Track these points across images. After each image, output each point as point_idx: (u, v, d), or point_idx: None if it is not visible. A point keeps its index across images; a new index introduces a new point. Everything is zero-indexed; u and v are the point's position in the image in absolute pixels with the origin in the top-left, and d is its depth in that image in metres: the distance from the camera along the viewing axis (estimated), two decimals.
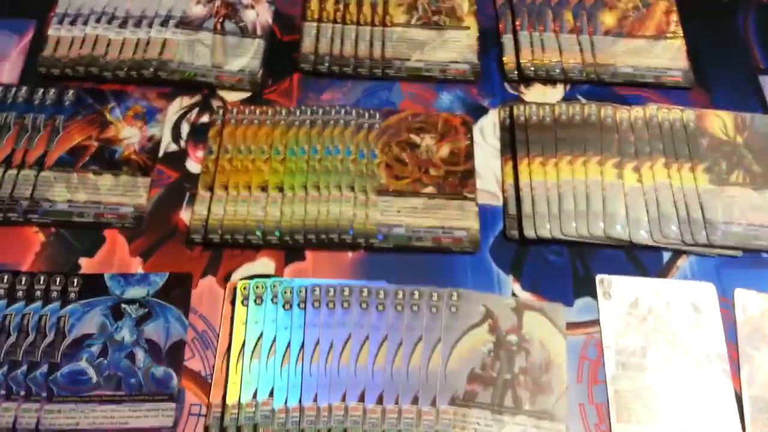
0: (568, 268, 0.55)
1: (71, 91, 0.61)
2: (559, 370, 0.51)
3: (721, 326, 0.52)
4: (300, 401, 0.49)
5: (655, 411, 0.49)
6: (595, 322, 0.53)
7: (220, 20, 0.66)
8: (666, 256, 0.56)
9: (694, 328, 0.52)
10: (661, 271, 0.55)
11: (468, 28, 0.67)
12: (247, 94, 0.63)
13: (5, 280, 0.52)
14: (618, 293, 0.54)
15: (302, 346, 0.50)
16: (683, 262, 0.56)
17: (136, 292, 0.52)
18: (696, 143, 0.60)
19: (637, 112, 0.62)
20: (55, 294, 0.52)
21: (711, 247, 0.56)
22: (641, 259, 0.56)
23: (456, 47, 0.65)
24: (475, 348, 0.51)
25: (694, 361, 0.51)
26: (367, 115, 0.61)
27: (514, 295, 0.54)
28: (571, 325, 0.53)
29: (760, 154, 0.60)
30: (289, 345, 0.51)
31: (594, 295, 0.54)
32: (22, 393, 0.48)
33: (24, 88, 0.61)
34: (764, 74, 0.66)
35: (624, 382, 0.50)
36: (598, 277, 0.55)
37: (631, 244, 0.56)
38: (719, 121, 0.62)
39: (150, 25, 0.64)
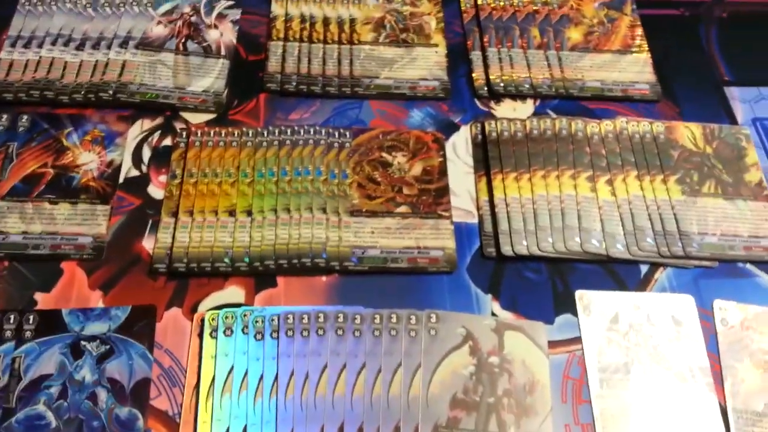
0: (547, 285, 0.54)
1: (25, 117, 0.58)
2: (543, 391, 0.49)
3: (702, 339, 0.52)
4: None
5: (641, 428, 0.48)
6: (577, 340, 0.52)
7: (183, 40, 0.64)
8: (644, 268, 0.56)
9: (675, 341, 0.52)
10: (640, 284, 0.55)
11: (436, 45, 0.66)
12: (212, 116, 0.61)
13: None
14: (598, 309, 0.53)
15: (276, 378, 0.48)
16: (661, 275, 0.55)
17: (96, 327, 0.49)
18: (667, 155, 0.60)
19: (607, 125, 0.62)
20: (9, 333, 0.49)
21: (687, 259, 0.55)
22: (619, 273, 0.55)
23: (425, 64, 0.65)
24: (456, 372, 0.50)
25: (677, 376, 0.50)
26: (337, 134, 0.59)
27: (493, 314, 0.53)
28: (552, 344, 0.51)
29: (729, 164, 0.60)
30: (262, 378, 0.48)
31: (574, 312, 0.53)
32: None
33: None
34: (729, 86, 0.67)
35: (609, 400, 0.49)
36: (578, 293, 0.54)
37: (609, 258, 0.55)
38: (688, 133, 0.62)
39: (109, 47, 0.62)
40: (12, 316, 0.49)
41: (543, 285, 0.54)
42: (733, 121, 0.64)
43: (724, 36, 0.71)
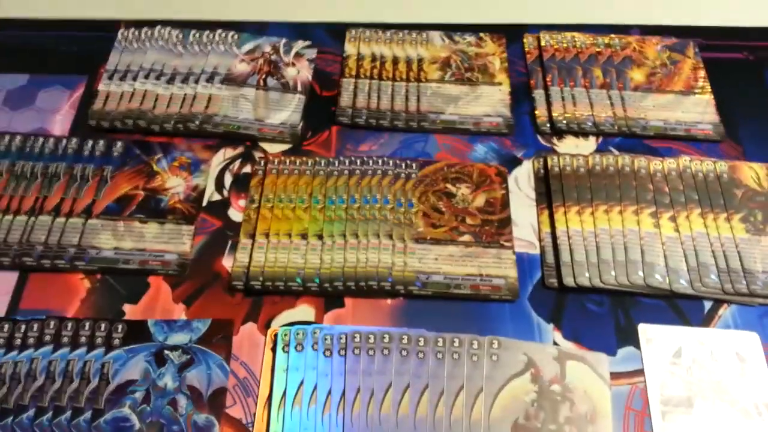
0: (609, 317, 0.55)
1: (119, 143, 0.64)
2: (604, 421, 0.50)
3: (767, 375, 0.52)
4: None
5: None
6: (639, 372, 0.52)
7: (263, 77, 0.69)
8: (707, 305, 0.56)
9: (739, 377, 0.52)
10: (704, 320, 0.55)
11: (500, 83, 0.69)
12: (288, 146, 0.65)
13: (51, 326, 0.53)
14: (661, 343, 0.54)
15: (343, 394, 0.50)
16: (725, 311, 0.55)
17: (178, 338, 0.53)
18: (730, 194, 0.61)
19: (670, 163, 0.63)
20: (99, 340, 0.53)
21: (752, 297, 0.55)
22: (683, 308, 0.55)
23: (489, 101, 0.67)
24: (517, 398, 0.51)
25: (741, 412, 0.50)
26: (404, 165, 0.62)
27: (555, 343, 0.54)
28: (614, 375, 0.52)
29: None
30: (330, 393, 0.50)
31: (636, 345, 0.53)
32: None
33: (74, 140, 0.63)
34: None
35: None
36: (641, 327, 0.54)
37: (672, 293, 0.55)
38: (752, 173, 0.62)
39: (196, 81, 0.67)
40: (102, 325, 0.53)
41: (605, 317, 0.55)
42: None
43: None
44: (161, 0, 0.77)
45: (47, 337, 0.53)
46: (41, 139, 0.63)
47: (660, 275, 0.56)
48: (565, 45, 0.72)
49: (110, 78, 0.68)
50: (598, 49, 0.72)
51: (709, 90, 0.69)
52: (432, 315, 0.55)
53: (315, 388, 0.50)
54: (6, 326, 0.53)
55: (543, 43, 0.72)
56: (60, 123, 0.66)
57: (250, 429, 0.49)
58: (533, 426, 0.49)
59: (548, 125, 0.66)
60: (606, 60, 0.71)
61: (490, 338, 0.53)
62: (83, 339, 0.53)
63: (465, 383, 0.51)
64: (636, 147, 0.65)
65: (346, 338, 0.53)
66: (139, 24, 0.72)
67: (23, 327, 0.53)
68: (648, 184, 0.61)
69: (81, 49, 0.71)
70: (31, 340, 0.52)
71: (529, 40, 0.73)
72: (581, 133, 0.66)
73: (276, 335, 0.53)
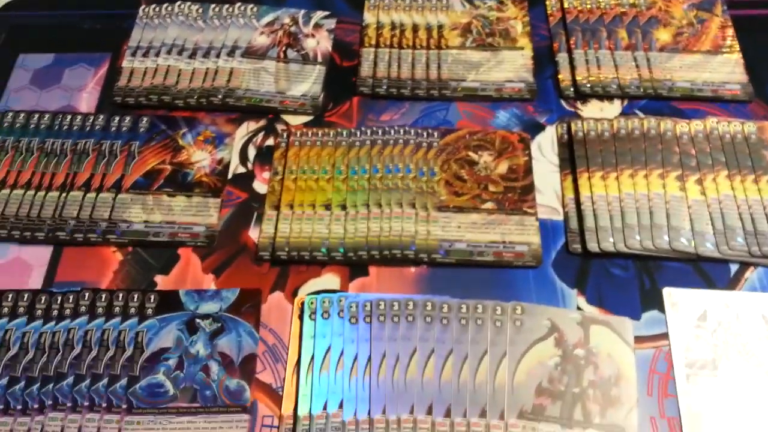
0: (633, 282, 0.55)
1: (145, 119, 0.65)
2: (628, 384, 0.50)
3: None
4: (369, 413, 0.49)
5: (729, 424, 0.48)
6: (664, 336, 0.52)
7: (283, 49, 0.69)
8: (733, 268, 0.55)
9: (765, 339, 0.51)
10: (730, 283, 0.55)
11: (522, 48, 0.68)
12: (310, 118, 0.65)
13: (86, 298, 0.55)
14: (686, 306, 0.53)
15: (369, 359, 0.51)
16: (751, 274, 0.55)
17: (209, 307, 0.54)
18: (759, 155, 0.60)
19: (696, 125, 0.62)
20: (133, 310, 0.54)
21: None
22: (708, 272, 0.55)
23: (511, 67, 0.67)
24: (541, 362, 0.51)
25: (767, 374, 0.50)
26: (425, 134, 0.63)
27: (579, 309, 0.54)
28: (638, 339, 0.52)
29: None
30: (356, 358, 0.52)
31: (661, 309, 0.53)
32: (104, 405, 0.51)
33: (101, 117, 0.65)
34: None
35: (696, 395, 0.50)
36: (665, 291, 0.54)
37: (698, 256, 0.55)
38: None
39: (218, 56, 0.68)
40: (135, 295, 0.55)
41: (630, 282, 0.55)
42: None
43: None
44: None
45: (83, 308, 0.54)
46: (69, 117, 0.65)
47: (686, 239, 0.55)
48: (588, 6, 0.70)
49: (133, 54, 0.69)
50: (622, 10, 0.70)
51: (738, 49, 0.67)
52: (455, 282, 0.55)
53: (342, 353, 0.52)
54: (43, 298, 0.55)
55: (566, 5, 0.71)
56: (86, 100, 0.67)
57: (280, 393, 0.51)
58: (557, 389, 0.50)
59: (572, 89, 0.65)
60: (631, 20, 0.69)
61: (514, 304, 0.53)
62: (117, 309, 0.54)
63: (489, 348, 0.52)
64: (662, 109, 0.64)
65: (371, 306, 0.53)
66: (159, 0, 0.73)
67: (59, 299, 0.55)
68: (674, 147, 0.60)
69: (104, 26, 0.72)
70: (67, 311, 0.54)
71: (551, 2, 0.72)
72: (606, 96, 0.65)
73: (303, 303, 0.54)
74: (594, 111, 0.64)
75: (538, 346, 0.52)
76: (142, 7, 0.72)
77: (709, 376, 0.50)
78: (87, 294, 0.55)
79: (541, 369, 0.51)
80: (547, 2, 0.72)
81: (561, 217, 0.58)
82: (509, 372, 0.51)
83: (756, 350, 0.51)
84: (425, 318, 0.53)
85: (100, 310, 0.54)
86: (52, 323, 0.54)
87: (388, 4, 0.72)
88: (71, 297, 0.55)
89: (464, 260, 0.56)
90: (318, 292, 0.55)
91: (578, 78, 0.65)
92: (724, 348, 0.51)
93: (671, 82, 0.65)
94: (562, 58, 0.67)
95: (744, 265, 0.55)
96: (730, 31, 0.69)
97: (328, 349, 0.52)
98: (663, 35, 0.68)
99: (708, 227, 0.56)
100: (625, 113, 0.64)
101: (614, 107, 0.65)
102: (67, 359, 0.52)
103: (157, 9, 0.72)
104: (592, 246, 0.56)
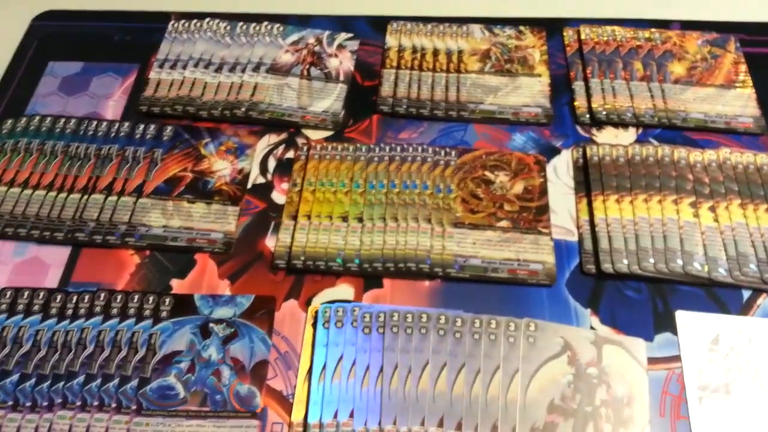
0: (647, 304, 0.55)
1: (169, 128, 0.66)
2: (641, 404, 0.50)
3: None
4: (379, 424, 0.49)
5: None
6: (676, 358, 0.52)
7: (307, 67, 0.71)
8: (746, 294, 0.55)
9: None
10: (742, 309, 0.55)
11: (540, 75, 0.70)
12: (330, 133, 0.67)
13: (102, 298, 0.55)
14: (699, 330, 0.54)
15: (381, 370, 0.51)
16: (764, 301, 0.55)
17: (223, 312, 0.55)
18: None
19: (710, 154, 0.63)
20: (147, 312, 0.55)
21: None
22: (721, 297, 0.55)
23: (528, 92, 0.68)
24: (554, 379, 0.51)
25: None
26: (443, 152, 0.64)
27: (592, 328, 0.54)
28: (651, 360, 0.52)
29: None
30: (368, 368, 0.52)
31: (674, 331, 0.54)
32: (113, 405, 0.50)
33: (126, 124, 0.66)
34: None
35: (708, 418, 0.49)
36: (678, 313, 0.54)
37: (711, 281, 0.55)
38: None
39: (243, 71, 0.70)
40: (151, 298, 0.55)
41: (643, 304, 0.55)
42: None
43: None
44: None
45: (97, 308, 0.55)
46: (95, 123, 0.66)
47: (699, 263, 0.56)
48: (605, 38, 0.72)
49: (161, 66, 0.71)
50: (638, 43, 0.72)
51: (751, 84, 0.69)
52: (469, 297, 0.56)
53: (354, 362, 0.52)
54: (59, 297, 0.55)
55: (583, 37, 0.72)
56: (112, 108, 0.69)
57: (291, 400, 0.51)
58: (569, 407, 0.50)
59: (587, 116, 0.67)
60: (646, 53, 0.71)
61: (527, 321, 0.53)
62: (132, 311, 0.55)
63: (502, 363, 0.52)
64: (676, 139, 0.65)
65: (384, 317, 0.54)
66: (189, 16, 0.75)
67: (75, 298, 0.55)
68: (688, 175, 0.61)
69: (133, 39, 0.74)
70: (82, 311, 0.55)
71: (569, 34, 0.74)
72: (621, 123, 0.66)
73: (317, 312, 0.54)
74: (609, 138, 0.66)
75: (551, 364, 0.52)
76: (172, 21, 0.74)
77: (722, 400, 0.50)
78: (102, 294, 0.56)
79: (554, 386, 0.51)
80: (565, 33, 0.74)
81: (575, 238, 0.59)
82: (522, 388, 0.51)
83: None
84: (438, 331, 0.53)
85: (114, 311, 0.55)
86: (66, 322, 0.54)
87: (410, 29, 0.74)
88: (86, 297, 0.55)
89: (478, 276, 0.56)
90: (332, 302, 0.55)
91: (594, 105, 0.66)
92: (736, 372, 0.51)
93: (685, 113, 0.66)
94: (578, 86, 0.69)
95: (756, 292, 0.56)
96: (743, 67, 0.70)
97: (341, 358, 0.52)
98: (677, 68, 0.70)
99: (721, 253, 0.56)
100: (639, 141, 0.65)
101: (629, 135, 0.66)
102: (79, 358, 0.52)
103: (187, 24, 0.74)
104: (606, 267, 0.56)
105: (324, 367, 0.52)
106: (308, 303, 0.56)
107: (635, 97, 0.67)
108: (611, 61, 0.70)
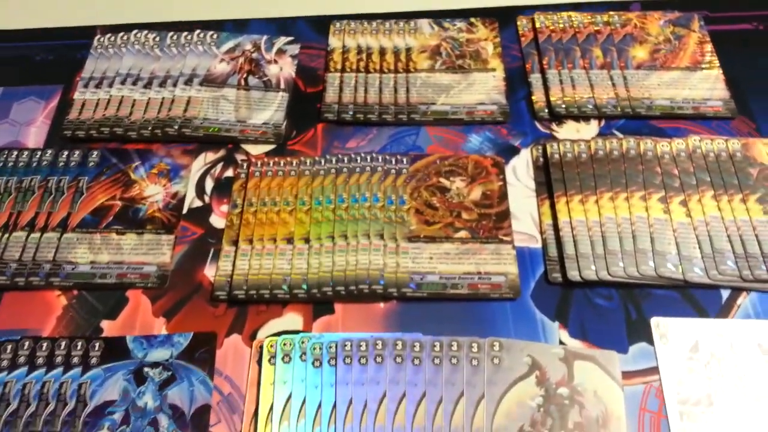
0: (619, 312, 0.51)
1: (95, 152, 0.61)
2: (618, 424, 0.46)
3: None
4: None
5: None
6: (654, 370, 0.48)
7: (244, 76, 0.66)
8: (725, 294, 0.52)
9: (763, 370, 0.47)
10: (722, 310, 0.51)
11: (494, 69, 0.65)
12: (272, 147, 0.62)
13: (26, 347, 0.50)
14: (676, 337, 0.50)
15: (334, 407, 0.47)
16: (744, 300, 0.51)
17: (159, 354, 0.50)
18: (745, 173, 0.57)
19: (678, 144, 0.59)
20: (76, 359, 0.50)
21: None
22: (698, 299, 0.51)
23: (482, 89, 0.64)
24: (522, 403, 0.47)
25: (766, 407, 0.46)
26: (393, 160, 0.59)
27: (561, 343, 0.50)
28: (626, 374, 0.48)
29: None
30: (320, 406, 0.47)
31: (650, 340, 0.49)
32: None
33: (49, 152, 0.61)
34: None
35: None
36: (653, 321, 0.50)
37: (686, 283, 0.51)
38: (767, 149, 0.58)
39: (174, 84, 0.65)
40: (79, 343, 0.50)
41: (615, 312, 0.51)
42: None
43: None
44: (139, 3, 0.74)
45: (21, 359, 0.50)
46: (15, 153, 0.61)
47: (672, 264, 0.52)
48: (561, 26, 0.68)
49: (86, 86, 0.65)
50: (596, 28, 0.68)
51: (717, 64, 0.65)
52: (428, 318, 0.51)
53: (304, 401, 0.47)
54: None
55: (538, 25, 0.68)
56: (35, 135, 0.63)
57: None
58: None
59: (546, 110, 0.62)
60: (605, 39, 0.67)
61: (491, 340, 0.49)
62: (59, 359, 0.50)
63: (465, 389, 0.47)
64: (641, 129, 0.61)
65: (336, 346, 0.49)
66: (115, 29, 0.70)
67: None
68: (656, 168, 0.57)
69: (57, 57, 0.69)
70: (4, 363, 0.50)
71: (522, 23, 0.69)
72: (582, 116, 0.62)
73: (261, 347, 0.50)
74: (570, 132, 0.61)
75: (519, 386, 0.48)
76: (98, 36, 0.69)
77: (705, 413, 0.46)
78: (26, 343, 0.51)
79: (523, 411, 0.47)
80: (518, 22, 0.69)
81: (539, 245, 0.55)
82: (488, 415, 0.46)
83: (753, 382, 0.47)
84: (395, 358, 0.49)
85: (40, 360, 0.50)
86: None
87: (354, 28, 0.69)
88: (9, 347, 0.50)
89: (437, 294, 0.52)
90: (279, 334, 0.51)
91: (552, 99, 0.62)
92: (719, 381, 0.47)
93: (650, 100, 0.62)
94: (535, 78, 0.64)
95: (736, 291, 0.52)
96: (709, 47, 0.66)
97: (289, 397, 0.47)
98: (639, 53, 0.66)
99: (696, 251, 0.53)
100: (603, 134, 0.61)
101: (591, 128, 0.62)
102: (2, 417, 0.47)
103: (113, 38, 0.69)
104: (573, 275, 0.52)
105: (271, 409, 0.47)
106: (253, 337, 0.51)
107: (596, 87, 0.63)
108: (569, 49, 0.66)
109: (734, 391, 0.47)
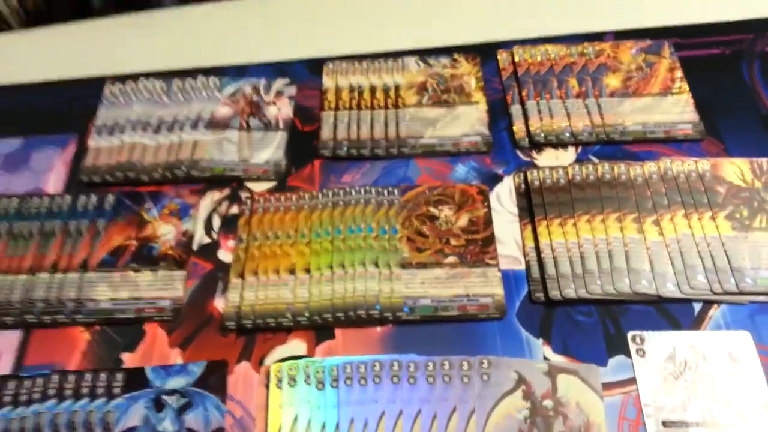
0: (598, 328, 0.55)
1: (111, 196, 0.66)
2: None
3: (762, 375, 0.51)
4: None
5: None
6: (632, 381, 0.52)
7: (246, 118, 0.71)
8: (697, 307, 0.55)
9: (733, 378, 0.51)
10: (694, 323, 0.55)
11: (477, 102, 0.70)
12: (273, 183, 0.66)
13: (55, 380, 0.55)
14: (652, 349, 0.53)
15: (337, 426, 0.51)
16: (715, 312, 0.55)
17: (176, 382, 0.54)
18: (714, 192, 0.61)
19: (650, 167, 0.63)
20: (101, 390, 0.54)
21: (742, 295, 0.55)
22: (672, 312, 0.55)
23: (467, 121, 0.68)
24: (510, 415, 0.51)
25: (737, 414, 0.50)
26: (386, 192, 0.64)
27: (545, 358, 0.54)
28: (606, 386, 0.52)
29: None
30: (324, 426, 0.51)
31: (627, 353, 0.53)
32: None
33: (68, 197, 0.66)
34: None
35: None
36: (630, 334, 0.54)
37: (660, 298, 0.55)
38: (735, 168, 0.62)
39: (181, 129, 0.69)
40: (102, 375, 0.55)
41: (594, 327, 0.55)
42: None
43: (767, 69, 0.71)
44: (144, 52, 0.79)
45: (51, 391, 0.54)
46: (36, 199, 0.66)
47: (646, 281, 0.56)
48: (539, 58, 0.73)
49: (99, 134, 0.70)
50: (572, 59, 0.72)
51: (687, 89, 0.69)
52: (422, 339, 0.56)
53: (309, 422, 0.51)
54: (11, 384, 0.55)
55: (517, 59, 0.73)
56: (54, 181, 0.68)
57: None
58: None
59: (526, 140, 0.67)
60: (581, 69, 0.71)
61: (480, 358, 0.53)
62: (85, 390, 0.54)
63: (457, 405, 0.51)
64: (616, 153, 0.65)
65: (337, 370, 0.53)
66: (123, 78, 0.75)
67: (27, 383, 0.55)
68: (630, 190, 0.61)
69: (70, 107, 0.74)
70: (36, 396, 0.54)
71: (503, 57, 0.74)
72: (560, 144, 0.66)
73: (268, 372, 0.54)
74: (549, 159, 0.66)
75: (507, 400, 0.52)
76: (107, 85, 0.74)
77: (681, 420, 0.50)
78: (55, 377, 0.55)
79: (511, 423, 0.51)
80: (499, 57, 0.74)
81: (523, 267, 0.59)
82: (478, 428, 0.50)
83: (725, 391, 0.51)
84: (392, 378, 0.53)
85: (68, 392, 0.54)
86: (21, 408, 0.54)
87: (346, 68, 0.74)
88: (39, 381, 0.55)
89: (429, 316, 0.56)
90: (285, 359, 0.55)
91: (532, 128, 0.67)
92: (692, 389, 0.51)
93: (623, 126, 0.66)
94: (515, 109, 0.69)
95: (707, 304, 0.56)
96: (679, 73, 0.71)
97: (296, 418, 0.52)
98: (612, 81, 0.70)
99: (668, 267, 0.57)
100: (580, 160, 0.65)
101: (569, 154, 0.66)
102: None
103: (122, 87, 0.74)
104: (554, 294, 0.56)
105: (280, 430, 0.51)
106: (261, 363, 0.55)
107: (572, 116, 0.67)
108: (546, 80, 0.70)
109: (707, 397, 0.51)
